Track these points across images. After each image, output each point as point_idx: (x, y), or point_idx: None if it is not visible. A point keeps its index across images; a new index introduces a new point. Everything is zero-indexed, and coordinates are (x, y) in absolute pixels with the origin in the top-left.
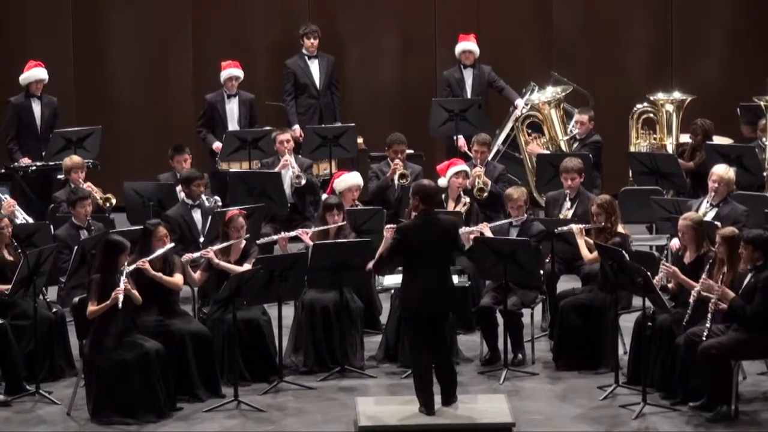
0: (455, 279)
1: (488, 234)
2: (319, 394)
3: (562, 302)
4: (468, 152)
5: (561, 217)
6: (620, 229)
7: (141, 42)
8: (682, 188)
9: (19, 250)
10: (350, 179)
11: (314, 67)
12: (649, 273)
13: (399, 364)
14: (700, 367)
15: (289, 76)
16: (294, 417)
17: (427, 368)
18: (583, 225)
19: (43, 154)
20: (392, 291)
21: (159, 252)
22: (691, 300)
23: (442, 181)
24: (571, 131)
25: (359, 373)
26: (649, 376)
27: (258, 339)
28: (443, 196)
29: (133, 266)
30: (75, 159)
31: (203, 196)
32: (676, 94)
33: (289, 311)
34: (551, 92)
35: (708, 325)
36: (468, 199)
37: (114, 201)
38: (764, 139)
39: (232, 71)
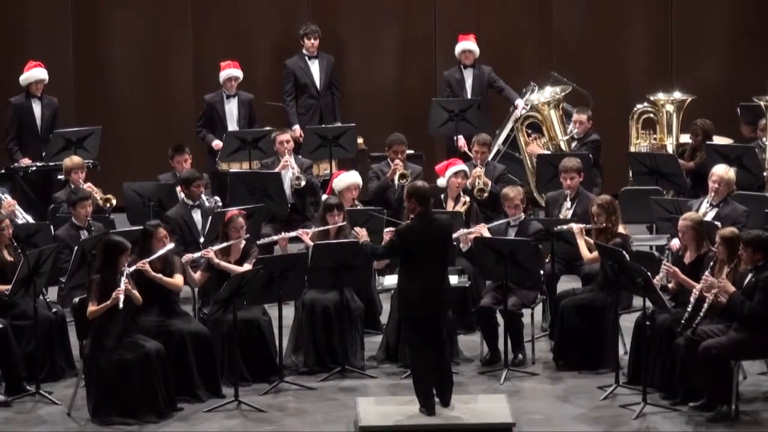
0: (455, 279)
1: (486, 235)
2: (319, 395)
3: (562, 302)
4: (468, 152)
5: (561, 217)
6: (621, 229)
7: (141, 42)
8: (682, 188)
9: (19, 251)
10: (348, 178)
11: (314, 67)
12: (649, 273)
13: (399, 364)
14: (701, 367)
15: (289, 77)
16: (294, 417)
17: (427, 369)
18: (584, 225)
19: (43, 154)
20: (392, 291)
21: (159, 253)
22: (691, 299)
23: (441, 181)
24: (570, 131)
25: (359, 374)
26: (649, 376)
27: (258, 339)
28: (442, 196)
29: (133, 267)
30: (75, 159)
31: (203, 197)
32: (677, 95)
33: (289, 311)
34: (551, 92)
35: (701, 314)
36: (468, 199)
37: (114, 202)
38: (764, 139)
39: (231, 72)
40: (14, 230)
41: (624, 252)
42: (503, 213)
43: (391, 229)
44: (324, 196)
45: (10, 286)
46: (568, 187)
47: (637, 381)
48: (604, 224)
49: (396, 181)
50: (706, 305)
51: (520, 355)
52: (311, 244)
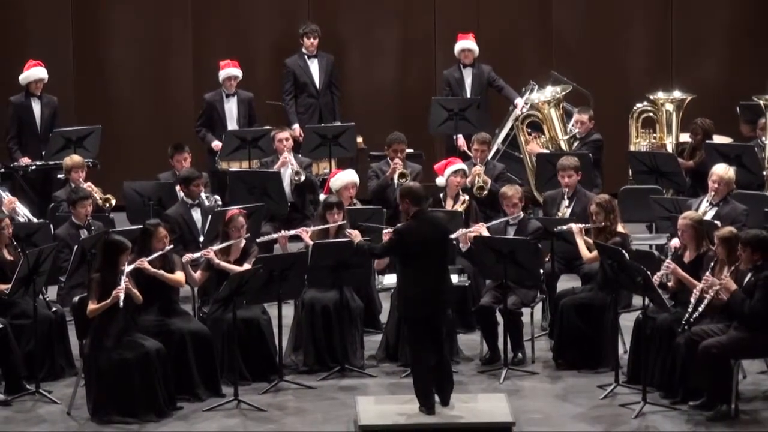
0: (455, 278)
1: (486, 234)
2: (319, 394)
3: (562, 301)
4: (467, 151)
5: (559, 215)
6: (620, 228)
7: (141, 41)
8: (681, 187)
9: (19, 250)
10: (346, 177)
11: (314, 66)
12: (648, 272)
13: (399, 363)
14: (700, 366)
15: (288, 76)
16: (294, 416)
17: (427, 368)
18: (583, 224)
19: (43, 153)
20: (392, 290)
21: (158, 253)
22: (692, 299)
23: (441, 180)
24: (570, 130)
25: (359, 373)
26: (649, 376)
27: (258, 338)
28: (441, 195)
29: (132, 266)
30: (75, 158)
31: (203, 195)
32: (676, 94)
33: (289, 310)
34: (551, 92)
35: (700, 309)
36: (467, 197)
37: (114, 202)
38: (764, 138)
39: (230, 71)
40: (14, 229)
41: (623, 251)
42: (502, 212)
43: (391, 229)
44: (322, 195)
45: (9, 286)
46: (566, 185)
47: (636, 380)
48: (603, 223)
49: (396, 180)
50: (704, 303)
51: (520, 354)
52: (311, 243)
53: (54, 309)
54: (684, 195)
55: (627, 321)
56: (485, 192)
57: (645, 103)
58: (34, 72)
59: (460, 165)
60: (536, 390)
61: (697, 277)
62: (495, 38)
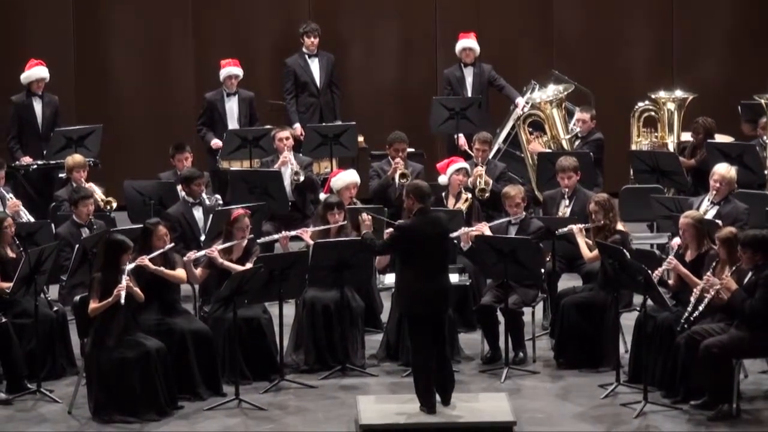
0: (456, 277)
1: (488, 233)
2: (320, 393)
3: (562, 301)
4: (469, 151)
5: (559, 215)
6: (619, 226)
7: (142, 40)
8: (683, 187)
9: (21, 249)
10: (347, 177)
11: (314, 65)
12: (649, 271)
13: (400, 362)
14: (702, 365)
15: (289, 75)
16: (295, 415)
17: (428, 367)
18: (583, 224)
19: (44, 152)
20: (393, 290)
21: (159, 251)
22: (692, 298)
23: (443, 179)
24: (572, 129)
25: (360, 372)
26: (650, 375)
27: (259, 337)
28: (443, 193)
29: (133, 264)
30: (77, 158)
31: (204, 195)
32: (678, 93)
33: (290, 310)
34: (553, 91)
35: (700, 308)
36: (469, 195)
37: (114, 205)
38: (765, 137)
39: (231, 70)
40: (16, 228)
41: (624, 249)
42: (504, 212)
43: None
44: (322, 195)
45: (11, 284)
46: (566, 186)
47: (637, 379)
48: (602, 221)
49: (397, 180)
50: (705, 302)
51: (521, 354)
52: (311, 242)
53: (55, 308)
54: (685, 194)
55: (628, 320)
56: (487, 194)
57: (646, 102)
58: (36, 71)
59: (462, 164)
60: (537, 389)
61: (698, 276)
62: (496, 37)
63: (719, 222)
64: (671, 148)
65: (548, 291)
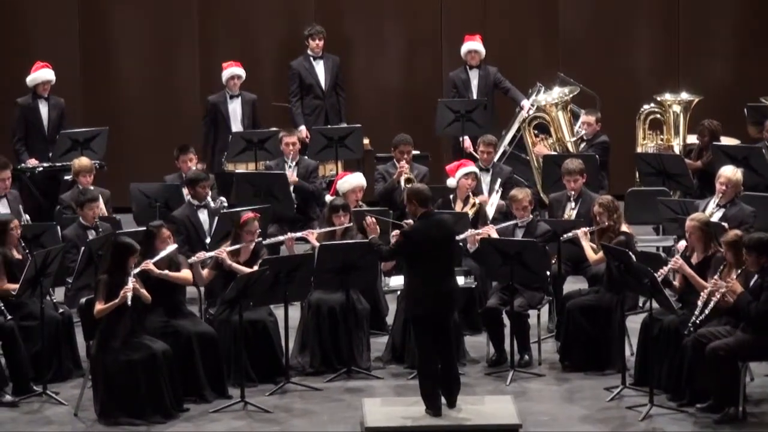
0: (462, 280)
1: (494, 235)
2: (325, 395)
3: (568, 303)
4: (474, 153)
5: (565, 217)
6: (624, 228)
7: (147, 43)
8: (689, 189)
9: (27, 251)
10: (353, 180)
11: (319, 67)
12: (655, 274)
13: (405, 365)
14: (708, 368)
15: (294, 77)
16: (300, 418)
17: (434, 370)
18: (588, 228)
19: (50, 155)
20: (398, 292)
21: (163, 254)
22: (699, 302)
23: (451, 182)
24: (577, 132)
25: (366, 374)
26: (656, 378)
27: (264, 340)
28: (451, 196)
29: (139, 268)
30: (84, 162)
31: (209, 197)
32: (684, 95)
33: (295, 312)
34: (558, 93)
35: (706, 311)
36: (477, 201)
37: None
38: None
39: (233, 70)
40: (22, 230)
41: (630, 252)
42: (511, 215)
43: (398, 231)
44: (328, 197)
45: (17, 285)
46: (572, 189)
47: (643, 382)
48: (607, 223)
49: (402, 184)
50: (711, 304)
51: (527, 356)
52: (317, 244)
53: (61, 310)
54: (691, 197)
55: (634, 323)
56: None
57: (652, 104)
58: (41, 74)
59: (471, 168)
60: (543, 392)
61: (704, 279)
62: (501, 39)
63: (725, 225)
64: (677, 150)
65: (554, 293)
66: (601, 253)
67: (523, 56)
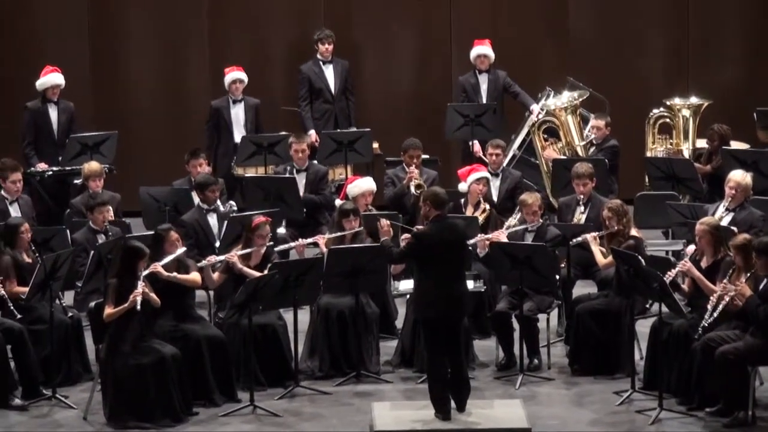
0: (471, 284)
1: (504, 240)
2: (334, 399)
3: (577, 307)
4: (483, 157)
5: (574, 221)
6: (633, 232)
7: (157, 47)
8: (698, 193)
9: (37, 255)
10: (364, 184)
11: (329, 72)
12: (664, 278)
13: (415, 369)
14: (717, 372)
15: (303, 81)
16: (309, 422)
17: (443, 374)
18: (597, 233)
19: (60, 159)
20: (407, 296)
21: (171, 257)
22: (709, 306)
23: (462, 186)
24: (587, 136)
25: (375, 378)
26: (665, 382)
27: (274, 344)
28: (462, 201)
29: (147, 271)
30: (94, 166)
31: (218, 201)
32: (693, 99)
33: (304, 316)
34: (567, 98)
35: (715, 315)
36: (487, 206)
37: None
38: None
39: (235, 74)
40: (32, 234)
41: (639, 256)
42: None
43: (408, 235)
44: (338, 201)
45: (27, 289)
46: (581, 193)
47: (653, 386)
48: (616, 227)
49: (412, 190)
50: (720, 307)
51: (536, 360)
52: (326, 249)
53: (70, 314)
54: (701, 201)
55: (643, 327)
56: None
57: (661, 108)
58: (51, 78)
59: (483, 173)
60: (552, 396)
61: (713, 283)
62: (511, 44)
63: (735, 229)
64: (686, 154)
65: (563, 297)
66: (610, 257)
67: (533, 60)
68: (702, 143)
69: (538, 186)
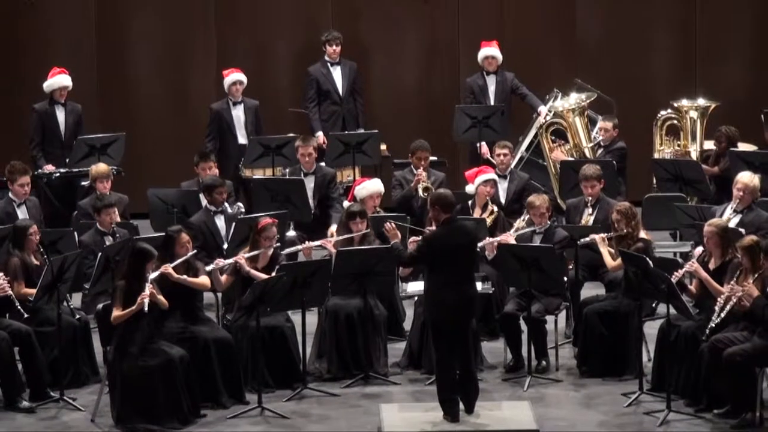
0: (479, 286)
1: (512, 242)
2: (342, 401)
3: (585, 309)
4: (491, 159)
5: (582, 223)
6: (642, 234)
7: (164, 49)
8: (706, 195)
9: (45, 256)
10: (371, 186)
11: (336, 73)
12: (671, 278)
13: (423, 370)
14: (725, 374)
15: (311, 83)
16: (318, 423)
17: (452, 376)
18: (606, 234)
19: (67, 160)
20: (415, 298)
21: (181, 259)
22: (716, 307)
23: (470, 188)
24: (594, 138)
25: (383, 380)
26: (673, 383)
27: (282, 346)
28: (470, 202)
29: (157, 272)
30: (101, 168)
31: (226, 203)
32: (700, 101)
33: (312, 318)
34: (575, 99)
35: (722, 315)
36: (495, 208)
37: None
38: None
39: (235, 76)
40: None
41: (647, 258)
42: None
43: (416, 237)
44: (346, 203)
45: (35, 291)
46: (590, 194)
47: (661, 388)
48: (625, 230)
49: (420, 193)
50: (727, 308)
51: (544, 362)
52: (334, 252)
53: (78, 316)
54: (708, 203)
55: (651, 329)
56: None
57: (669, 110)
58: (58, 80)
59: (490, 175)
60: (560, 398)
61: (721, 284)
62: (519, 45)
63: (742, 230)
64: (694, 156)
65: (571, 299)
66: (619, 260)
67: (541, 62)
68: (709, 145)
69: (545, 188)
